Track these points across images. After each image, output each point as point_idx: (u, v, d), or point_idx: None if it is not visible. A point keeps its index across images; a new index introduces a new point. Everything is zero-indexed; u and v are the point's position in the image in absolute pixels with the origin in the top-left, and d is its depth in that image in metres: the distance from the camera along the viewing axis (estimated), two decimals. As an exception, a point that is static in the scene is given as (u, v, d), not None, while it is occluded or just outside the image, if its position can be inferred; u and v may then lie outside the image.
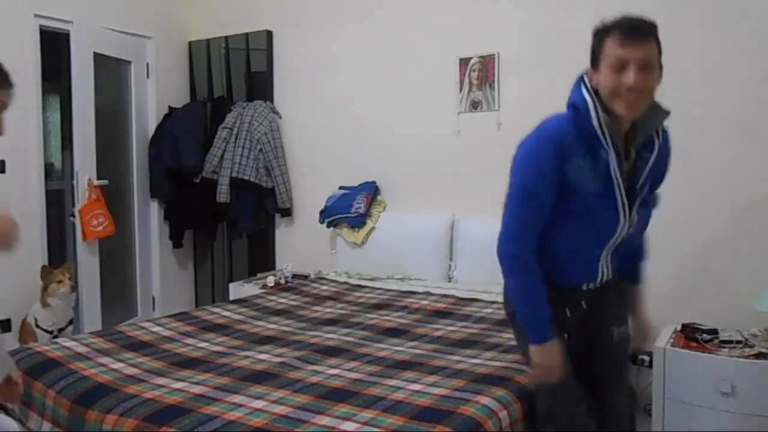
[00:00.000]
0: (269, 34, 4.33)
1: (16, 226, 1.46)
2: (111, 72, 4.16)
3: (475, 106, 3.54)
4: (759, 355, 2.44)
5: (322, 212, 3.91)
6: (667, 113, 1.71)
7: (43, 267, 3.45)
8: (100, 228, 3.80)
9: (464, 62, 3.55)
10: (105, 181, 3.93)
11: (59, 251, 4.89)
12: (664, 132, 1.82)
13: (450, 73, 3.60)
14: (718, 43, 2.88)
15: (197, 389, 1.86)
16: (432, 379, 1.96)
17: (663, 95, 2.98)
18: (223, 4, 4.58)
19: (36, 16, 3.70)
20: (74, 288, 3.43)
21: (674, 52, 2.97)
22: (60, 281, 3.38)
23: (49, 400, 1.89)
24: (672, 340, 2.67)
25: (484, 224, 3.41)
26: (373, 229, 3.76)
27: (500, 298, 3.00)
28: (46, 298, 3.38)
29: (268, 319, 2.78)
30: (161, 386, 1.88)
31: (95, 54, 3.87)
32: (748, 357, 2.43)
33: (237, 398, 1.79)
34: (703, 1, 2.91)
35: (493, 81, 3.47)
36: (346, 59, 4.02)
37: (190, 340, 2.42)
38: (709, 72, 2.90)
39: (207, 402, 1.75)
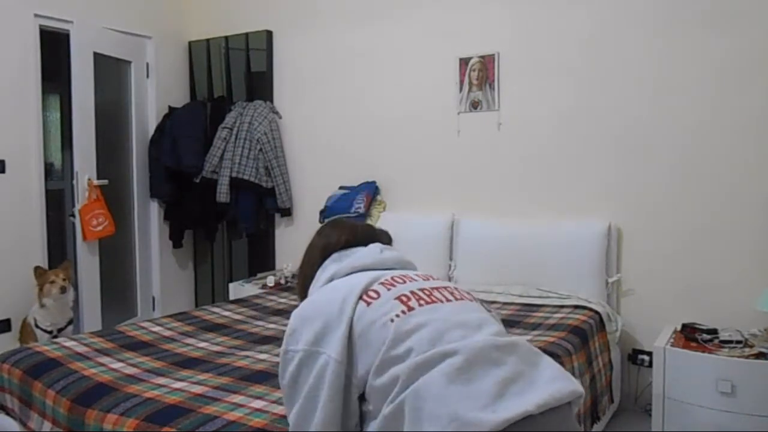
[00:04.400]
0: (269, 34, 4.33)
1: None
2: (111, 72, 4.16)
3: (475, 106, 3.54)
4: (759, 355, 2.44)
5: (322, 212, 3.91)
6: None
7: (36, 268, 3.43)
8: (100, 228, 3.80)
9: (464, 62, 3.55)
10: (105, 181, 3.93)
11: (59, 251, 4.89)
12: None
13: (450, 73, 3.60)
14: (721, 47, 2.88)
15: (197, 389, 1.85)
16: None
17: (668, 98, 2.99)
18: (223, 4, 4.58)
19: (36, 16, 3.70)
20: (65, 289, 3.36)
21: (677, 55, 2.98)
22: (53, 281, 3.36)
23: (49, 399, 1.89)
24: (672, 340, 2.67)
25: (484, 224, 3.41)
26: (373, 229, 3.76)
27: (500, 298, 3.04)
28: (41, 298, 3.37)
29: (268, 319, 2.78)
30: (161, 386, 1.88)
31: (95, 54, 3.87)
32: (748, 357, 2.43)
33: (237, 398, 1.78)
34: (707, 6, 2.91)
35: (493, 81, 3.47)
36: (346, 59, 4.02)
37: (189, 340, 2.42)
38: (714, 76, 2.90)
39: (207, 402, 1.75)
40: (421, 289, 1.28)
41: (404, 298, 1.24)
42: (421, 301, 1.24)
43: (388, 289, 1.27)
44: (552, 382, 1.14)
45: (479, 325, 1.22)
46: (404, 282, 1.30)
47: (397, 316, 1.19)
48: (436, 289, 1.30)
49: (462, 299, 1.31)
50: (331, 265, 1.43)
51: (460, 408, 1.04)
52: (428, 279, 1.36)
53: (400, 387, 1.11)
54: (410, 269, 1.45)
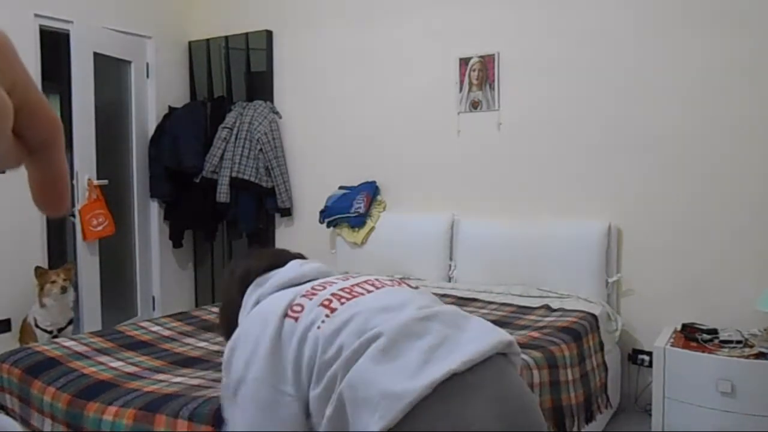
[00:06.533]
0: (269, 34, 4.33)
1: None
2: (111, 72, 4.16)
3: (475, 106, 3.54)
4: (759, 355, 2.44)
5: (322, 212, 3.91)
6: None
7: (37, 268, 3.41)
8: (100, 228, 3.80)
9: (464, 62, 3.55)
10: (105, 181, 3.93)
11: (59, 251, 4.89)
12: None
13: (450, 73, 3.60)
14: (721, 47, 2.88)
15: (196, 381, 1.87)
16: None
17: (668, 98, 2.99)
18: (223, 4, 4.58)
19: (36, 16, 3.70)
20: (65, 289, 3.35)
21: (677, 55, 2.99)
22: (53, 281, 3.36)
23: (48, 396, 1.89)
24: (672, 340, 2.67)
25: (484, 224, 3.41)
26: (373, 229, 3.76)
27: (499, 299, 3.04)
28: (42, 298, 3.37)
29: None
30: (160, 381, 1.89)
31: (95, 54, 3.87)
32: (748, 357, 2.43)
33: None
34: (705, 7, 2.91)
35: (493, 81, 3.47)
36: (346, 59, 4.02)
37: (189, 340, 2.42)
38: (714, 76, 2.90)
39: (204, 390, 1.78)
40: (341, 289, 1.31)
41: (326, 302, 1.26)
42: (342, 300, 1.26)
43: (311, 299, 1.28)
44: (477, 338, 1.17)
45: (402, 304, 1.25)
46: (324, 288, 1.32)
47: (323, 321, 1.21)
48: (357, 284, 1.33)
49: (383, 287, 1.33)
50: (254, 290, 1.42)
51: (388, 384, 1.08)
52: (348, 278, 1.37)
53: (338, 384, 1.13)
54: (330, 276, 1.46)
